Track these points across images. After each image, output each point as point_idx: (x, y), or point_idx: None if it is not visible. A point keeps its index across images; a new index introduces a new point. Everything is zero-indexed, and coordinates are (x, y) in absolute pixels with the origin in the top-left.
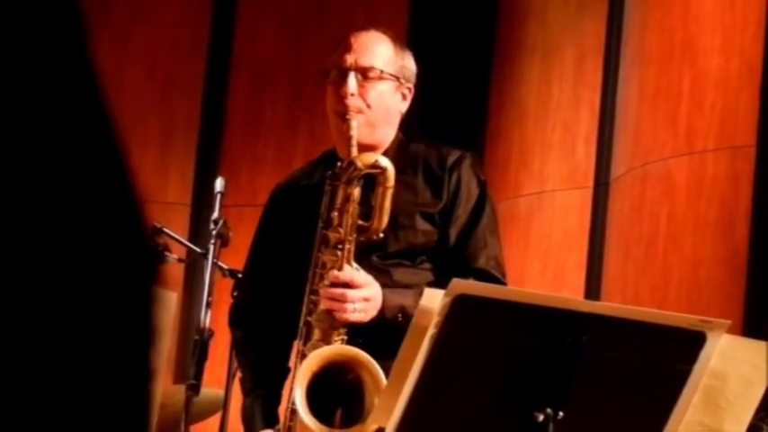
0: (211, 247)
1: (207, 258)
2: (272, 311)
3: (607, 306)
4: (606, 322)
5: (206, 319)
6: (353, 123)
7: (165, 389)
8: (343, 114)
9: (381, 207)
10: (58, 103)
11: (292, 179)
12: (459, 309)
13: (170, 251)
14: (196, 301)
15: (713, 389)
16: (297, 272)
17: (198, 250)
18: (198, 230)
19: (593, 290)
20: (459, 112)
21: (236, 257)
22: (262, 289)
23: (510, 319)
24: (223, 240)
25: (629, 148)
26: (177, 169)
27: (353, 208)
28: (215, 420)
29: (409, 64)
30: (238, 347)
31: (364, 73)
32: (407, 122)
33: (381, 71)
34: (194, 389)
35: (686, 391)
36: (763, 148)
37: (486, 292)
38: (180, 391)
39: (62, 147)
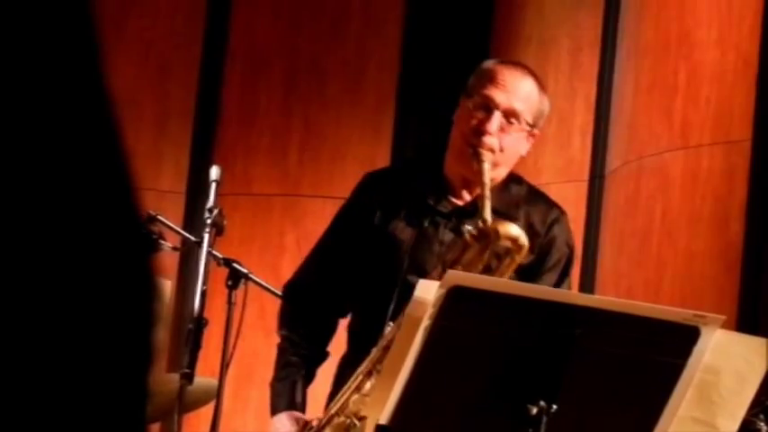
0: (206, 236)
1: (201, 247)
2: (328, 297)
3: (601, 299)
4: (600, 316)
5: (200, 307)
6: (486, 166)
7: (159, 377)
8: (474, 146)
9: (502, 275)
10: (57, 89)
11: (386, 177)
12: (454, 300)
13: (164, 239)
14: (190, 289)
15: (707, 384)
16: (366, 268)
17: (192, 239)
18: (192, 219)
19: (587, 283)
20: (456, 103)
21: (231, 246)
22: (325, 273)
23: (504, 311)
24: (218, 229)
25: (625, 142)
26: (172, 157)
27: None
28: (208, 409)
29: (545, 107)
30: (283, 322)
31: (509, 117)
32: (405, 112)
33: (524, 122)
34: (188, 378)
35: (680, 386)
36: (759, 142)
37: (481, 283)
38: (173, 380)
39: (59, 133)
